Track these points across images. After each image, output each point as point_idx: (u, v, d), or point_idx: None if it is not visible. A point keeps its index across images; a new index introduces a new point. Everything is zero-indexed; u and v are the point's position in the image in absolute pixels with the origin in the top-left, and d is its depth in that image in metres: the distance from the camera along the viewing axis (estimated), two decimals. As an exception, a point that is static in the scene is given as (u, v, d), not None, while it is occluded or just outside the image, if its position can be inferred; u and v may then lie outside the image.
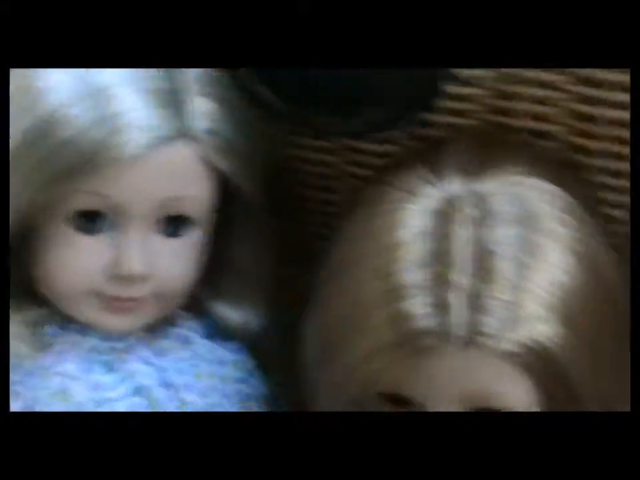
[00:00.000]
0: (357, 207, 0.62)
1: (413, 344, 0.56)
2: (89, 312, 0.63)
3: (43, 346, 0.64)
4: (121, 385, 0.65)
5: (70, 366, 0.63)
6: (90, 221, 0.62)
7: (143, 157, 0.59)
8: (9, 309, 0.66)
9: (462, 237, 0.57)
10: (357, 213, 0.61)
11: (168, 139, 0.60)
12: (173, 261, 0.63)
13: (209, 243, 0.66)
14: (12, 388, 0.63)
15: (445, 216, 0.58)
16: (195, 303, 0.68)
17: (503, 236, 0.57)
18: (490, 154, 0.62)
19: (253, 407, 0.67)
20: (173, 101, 0.61)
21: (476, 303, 0.56)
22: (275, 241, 0.67)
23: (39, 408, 0.62)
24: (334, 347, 0.59)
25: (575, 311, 0.58)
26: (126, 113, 0.60)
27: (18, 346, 0.63)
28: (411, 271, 0.56)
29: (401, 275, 0.57)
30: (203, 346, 0.68)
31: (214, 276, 0.67)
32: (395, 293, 0.57)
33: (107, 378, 0.65)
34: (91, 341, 0.65)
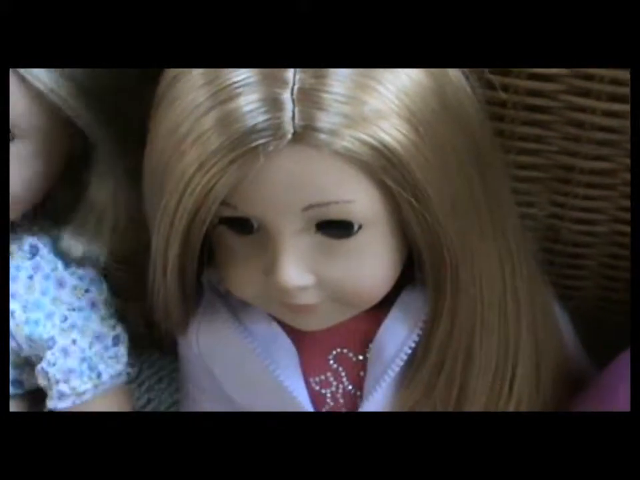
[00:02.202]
0: None
1: (244, 145, 0.52)
2: None
3: None
4: None
5: None
6: None
7: None
8: (8, 305, 0.65)
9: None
10: None
11: None
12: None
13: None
14: None
15: None
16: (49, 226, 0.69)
17: None
18: None
19: (77, 337, 0.67)
20: None
21: (309, 97, 0.52)
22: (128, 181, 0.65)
23: None
24: (167, 165, 0.55)
25: (420, 114, 0.54)
26: None
27: None
28: (240, 69, 0.53)
29: (229, 75, 0.53)
30: (48, 262, 0.68)
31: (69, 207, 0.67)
32: (223, 94, 0.53)
33: None
34: None
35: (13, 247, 0.67)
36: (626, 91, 0.64)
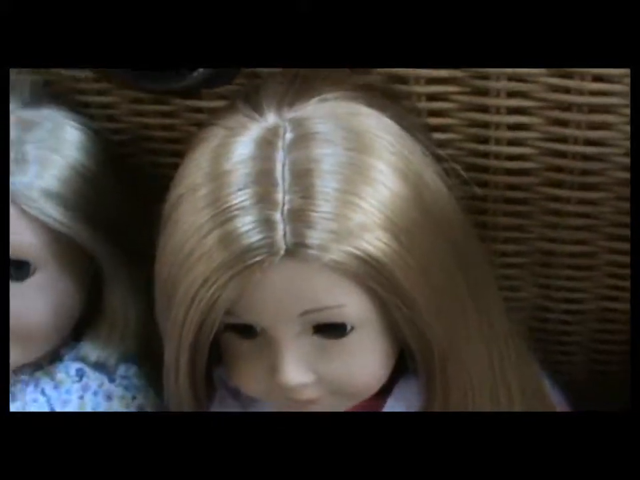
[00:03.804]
0: (190, 150, 0.63)
1: (243, 261, 0.57)
2: None
3: None
4: None
5: None
6: None
7: None
8: (8, 310, 0.67)
9: (281, 159, 0.58)
10: (190, 153, 0.63)
11: None
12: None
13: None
14: None
15: (265, 143, 0.59)
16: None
17: (322, 154, 0.59)
18: (308, 86, 0.63)
19: None
20: None
21: (298, 216, 0.57)
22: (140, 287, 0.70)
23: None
24: (175, 280, 0.60)
25: (401, 224, 0.59)
26: None
27: None
28: (236, 194, 0.58)
29: (227, 199, 0.58)
30: (95, 380, 0.72)
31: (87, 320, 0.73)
32: (223, 216, 0.58)
33: (10, 407, 0.70)
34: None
35: (62, 375, 0.72)
36: (598, 179, 0.69)
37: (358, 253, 0.58)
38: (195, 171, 0.61)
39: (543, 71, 0.65)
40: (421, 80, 0.67)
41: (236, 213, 0.58)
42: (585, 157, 0.68)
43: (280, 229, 0.57)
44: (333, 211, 0.57)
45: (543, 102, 0.66)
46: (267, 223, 0.57)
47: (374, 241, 0.58)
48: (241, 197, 0.58)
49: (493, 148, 0.68)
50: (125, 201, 0.71)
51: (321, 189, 0.58)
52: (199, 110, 0.72)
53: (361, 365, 0.61)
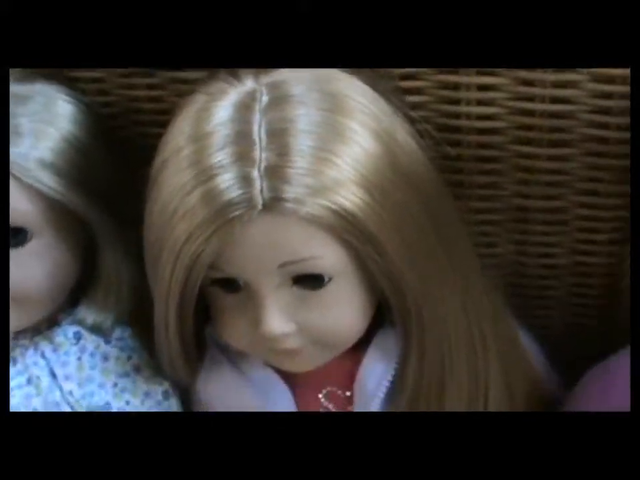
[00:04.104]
0: (174, 118, 0.67)
1: (223, 217, 0.60)
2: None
3: None
4: (19, 376, 0.74)
5: None
6: None
7: None
8: (8, 309, 0.70)
9: (257, 120, 0.61)
10: (174, 121, 0.66)
11: None
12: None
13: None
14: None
15: (243, 106, 0.63)
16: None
17: (297, 115, 0.62)
18: None
19: (129, 398, 0.75)
20: None
21: (275, 173, 0.60)
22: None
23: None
24: (161, 239, 0.63)
25: (374, 180, 0.62)
26: None
27: None
28: (216, 153, 0.61)
29: (208, 159, 0.61)
30: (92, 342, 0.75)
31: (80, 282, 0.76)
32: (204, 175, 0.61)
33: (11, 370, 0.74)
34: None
35: (60, 338, 0.75)
36: (566, 136, 0.71)
37: (333, 206, 0.61)
38: (177, 135, 0.64)
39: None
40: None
41: (216, 171, 0.61)
42: (552, 115, 0.70)
43: (257, 184, 0.60)
44: (308, 166, 0.61)
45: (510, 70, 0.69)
46: (245, 180, 0.60)
47: (348, 195, 0.61)
48: (221, 156, 0.61)
49: (463, 109, 0.71)
50: (116, 170, 0.74)
51: (297, 147, 0.61)
52: (185, 81, 0.74)
53: (340, 314, 0.65)
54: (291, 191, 0.60)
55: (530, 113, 0.70)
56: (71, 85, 0.75)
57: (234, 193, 0.60)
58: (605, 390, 0.70)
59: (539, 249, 0.78)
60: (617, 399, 0.67)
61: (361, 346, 0.68)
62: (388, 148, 0.63)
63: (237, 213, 0.60)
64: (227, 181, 0.61)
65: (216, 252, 0.62)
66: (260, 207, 0.60)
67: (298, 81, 0.64)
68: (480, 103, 0.71)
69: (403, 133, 0.65)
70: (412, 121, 0.67)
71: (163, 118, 0.75)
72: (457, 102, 0.71)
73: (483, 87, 0.70)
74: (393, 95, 0.67)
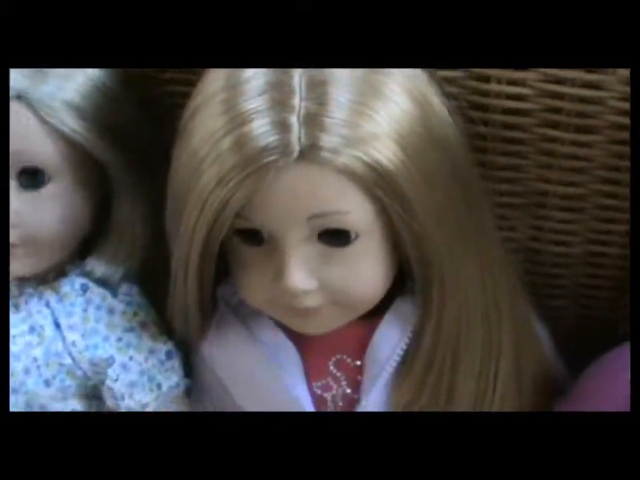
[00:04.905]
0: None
1: (256, 162, 0.60)
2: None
3: None
4: (22, 323, 0.74)
5: None
6: None
7: None
8: (8, 309, 0.71)
9: (299, 70, 0.61)
10: (208, 70, 0.65)
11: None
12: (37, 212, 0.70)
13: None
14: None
15: None
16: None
17: (338, 70, 0.61)
18: None
19: (133, 354, 0.74)
20: None
21: (313, 120, 0.60)
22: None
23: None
24: (189, 183, 0.62)
25: (409, 138, 0.62)
26: None
27: None
28: (254, 99, 0.60)
29: (244, 104, 0.61)
30: (98, 295, 0.75)
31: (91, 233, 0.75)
32: (238, 119, 0.60)
33: (12, 317, 0.73)
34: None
35: (66, 288, 0.75)
36: (592, 122, 0.72)
37: (367, 159, 0.61)
38: (212, 82, 0.64)
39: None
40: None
41: (252, 116, 0.61)
42: (581, 100, 0.71)
43: (295, 131, 0.60)
44: (346, 118, 0.61)
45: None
46: (282, 125, 0.60)
47: (382, 149, 0.61)
48: (259, 101, 0.61)
49: (494, 87, 0.71)
50: (141, 122, 0.74)
51: (336, 98, 0.61)
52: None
53: (362, 274, 0.64)
54: (328, 140, 0.60)
55: (559, 96, 0.71)
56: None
57: (271, 137, 0.60)
58: (606, 382, 0.70)
59: (554, 236, 0.78)
60: (618, 392, 0.67)
61: (376, 314, 0.68)
62: (423, 110, 0.63)
63: (272, 158, 0.60)
64: (263, 126, 0.60)
65: (247, 198, 0.61)
66: (296, 153, 0.60)
67: None
68: (510, 82, 0.71)
69: (436, 100, 0.65)
70: (443, 95, 0.67)
71: (193, 77, 0.75)
72: (486, 80, 0.71)
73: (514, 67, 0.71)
74: (427, 70, 0.67)
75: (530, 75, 0.71)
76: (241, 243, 0.65)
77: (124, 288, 0.76)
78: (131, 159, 0.72)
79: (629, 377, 0.62)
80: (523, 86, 0.71)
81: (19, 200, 0.69)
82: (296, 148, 0.60)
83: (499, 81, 0.71)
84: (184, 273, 0.66)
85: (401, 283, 0.68)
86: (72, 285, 0.74)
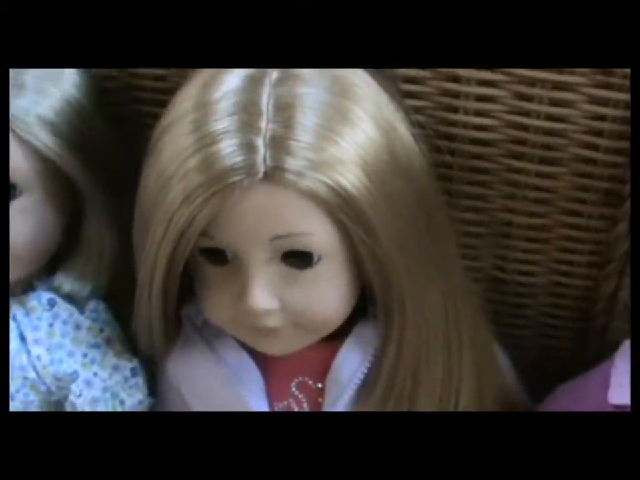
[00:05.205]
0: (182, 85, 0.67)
1: (222, 181, 0.61)
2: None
3: None
4: None
5: None
6: None
7: None
8: (8, 308, 0.72)
9: (267, 92, 0.62)
10: (180, 90, 0.67)
11: None
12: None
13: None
14: None
15: (254, 78, 0.63)
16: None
17: (306, 93, 0.63)
18: None
19: (97, 370, 0.75)
20: None
21: (279, 143, 0.61)
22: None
23: None
24: (156, 200, 0.63)
25: (373, 164, 0.63)
26: None
27: None
28: (222, 119, 0.62)
29: (212, 124, 0.62)
30: (65, 310, 0.75)
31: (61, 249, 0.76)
32: (207, 139, 0.62)
33: None
34: None
35: (33, 302, 0.75)
36: (557, 154, 0.73)
37: (331, 183, 0.62)
38: (183, 101, 0.65)
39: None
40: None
41: (221, 136, 0.62)
42: (546, 132, 0.72)
43: (261, 152, 0.61)
44: (312, 142, 0.62)
45: (510, 76, 0.71)
46: (248, 147, 0.61)
47: (347, 175, 0.62)
48: (227, 122, 0.62)
49: (461, 117, 0.73)
50: (112, 142, 0.75)
51: (302, 122, 0.62)
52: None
53: (324, 297, 0.65)
54: (293, 163, 0.61)
55: (525, 128, 0.72)
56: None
57: (237, 158, 0.61)
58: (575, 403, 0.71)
59: (518, 265, 0.79)
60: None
61: (337, 338, 0.69)
62: (389, 138, 0.65)
63: (237, 178, 0.61)
64: (230, 147, 0.61)
65: (212, 216, 0.62)
66: (261, 174, 0.61)
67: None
68: (477, 113, 0.72)
69: (403, 129, 0.67)
70: (410, 123, 0.68)
71: (164, 97, 0.76)
72: (454, 110, 0.73)
73: (481, 98, 0.72)
74: (394, 97, 0.68)
75: (496, 106, 0.72)
76: (206, 262, 0.66)
77: (91, 304, 0.76)
78: (102, 177, 0.73)
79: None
80: (488, 117, 0.72)
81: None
82: (261, 169, 0.61)
83: (466, 111, 0.73)
84: (148, 290, 0.67)
85: (363, 306, 0.69)
86: (39, 299, 0.75)
